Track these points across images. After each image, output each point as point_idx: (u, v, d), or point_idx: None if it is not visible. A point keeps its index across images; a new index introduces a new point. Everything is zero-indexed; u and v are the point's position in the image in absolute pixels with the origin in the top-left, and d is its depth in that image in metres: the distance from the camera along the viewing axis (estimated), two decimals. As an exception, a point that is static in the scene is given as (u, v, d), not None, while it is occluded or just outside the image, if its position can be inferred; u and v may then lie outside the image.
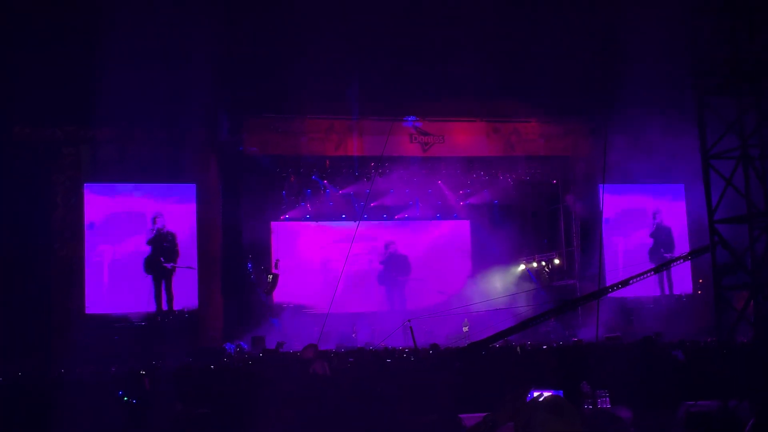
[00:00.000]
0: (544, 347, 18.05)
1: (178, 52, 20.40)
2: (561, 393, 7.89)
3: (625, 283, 15.36)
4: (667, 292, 25.75)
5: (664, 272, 25.20)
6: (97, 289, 22.30)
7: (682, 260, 17.96)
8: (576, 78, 22.69)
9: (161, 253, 22.78)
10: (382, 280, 28.14)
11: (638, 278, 15.36)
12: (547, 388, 7.48)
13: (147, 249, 22.75)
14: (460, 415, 7.34)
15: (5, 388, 13.87)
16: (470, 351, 15.55)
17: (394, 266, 28.27)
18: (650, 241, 26.09)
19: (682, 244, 25.98)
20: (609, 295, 23.37)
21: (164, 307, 22.58)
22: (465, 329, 23.82)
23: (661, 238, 26.14)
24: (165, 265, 22.72)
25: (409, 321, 20.46)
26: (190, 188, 23.14)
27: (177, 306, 22.63)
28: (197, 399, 12.66)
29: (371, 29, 20.64)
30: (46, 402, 13.22)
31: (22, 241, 21.00)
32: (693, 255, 17.25)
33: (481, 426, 4.37)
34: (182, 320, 22.48)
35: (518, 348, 17.26)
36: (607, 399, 13.01)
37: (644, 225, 26.25)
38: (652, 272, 16.25)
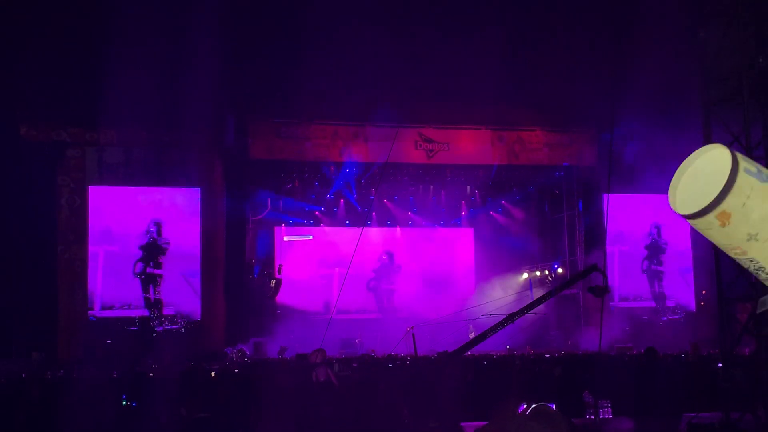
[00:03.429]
0: (547, 356, 18.03)
1: (183, 56, 20.42)
2: (552, 405, 7.86)
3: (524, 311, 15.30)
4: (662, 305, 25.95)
5: (656, 283, 25.60)
6: (100, 292, 22.33)
7: (571, 284, 18.17)
8: (581, 86, 22.69)
9: (151, 258, 22.83)
10: (377, 287, 28.16)
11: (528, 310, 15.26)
12: (539, 401, 7.42)
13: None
14: (462, 423, 7.34)
15: (8, 388, 13.89)
16: (441, 361, 15.63)
17: (390, 274, 28.31)
18: (644, 252, 26.26)
19: (685, 255, 26.07)
20: (613, 305, 23.74)
21: (159, 310, 22.64)
22: (471, 335, 23.78)
23: (654, 250, 26.31)
24: (153, 270, 22.76)
25: (411, 328, 20.48)
26: (195, 192, 23.16)
27: (169, 311, 22.66)
28: (199, 403, 12.66)
29: (377, 36, 20.65)
30: (47, 403, 13.24)
31: (27, 243, 21.06)
32: (579, 277, 17.36)
33: None
34: (184, 323, 22.51)
35: (518, 359, 17.20)
36: (609, 409, 13.00)
37: (644, 234, 26.36)
38: (545, 299, 15.95)
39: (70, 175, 22.19)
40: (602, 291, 19.15)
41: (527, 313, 16.54)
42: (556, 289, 18.93)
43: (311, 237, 27.54)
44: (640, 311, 25.38)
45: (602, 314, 15.29)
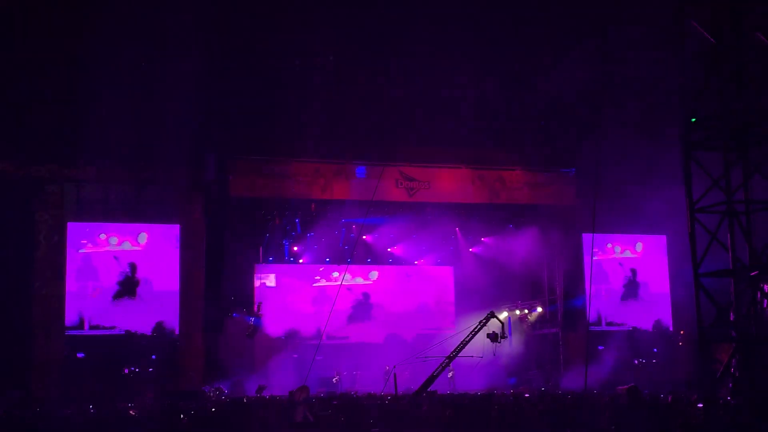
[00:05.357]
0: (527, 395, 17.95)
1: (164, 93, 20.44)
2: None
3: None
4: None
5: (635, 316, 26.02)
6: (78, 327, 22.13)
7: (477, 332, 20.03)
8: (562, 128, 22.96)
9: (126, 293, 22.75)
10: (356, 323, 28.16)
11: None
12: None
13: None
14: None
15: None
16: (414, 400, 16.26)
17: (369, 311, 28.31)
18: (623, 289, 26.62)
19: (663, 296, 26.32)
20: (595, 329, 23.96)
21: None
22: (450, 375, 23.71)
23: (631, 289, 26.67)
24: (131, 302, 22.69)
25: (393, 367, 20.43)
26: (174, 228, 23.03)
27: (147, 344, 22.56)
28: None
29: (360, 76, 20.83)
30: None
31: (2, 279, 20.85)
32: (482, 324, 20.96)
33: None
34: (161, 361, 22.34)
35: (497, 398, 17.13)
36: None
37: (623, 273, 26.58)
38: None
39: (49, 212, 21.97)
40: (497, 337, 21.96)
41: (456, 356, 19.01)
42: (469, 335, 20.14)
43: (274, 275, 27.58)
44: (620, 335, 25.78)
45: (587, 355, 15.30)
